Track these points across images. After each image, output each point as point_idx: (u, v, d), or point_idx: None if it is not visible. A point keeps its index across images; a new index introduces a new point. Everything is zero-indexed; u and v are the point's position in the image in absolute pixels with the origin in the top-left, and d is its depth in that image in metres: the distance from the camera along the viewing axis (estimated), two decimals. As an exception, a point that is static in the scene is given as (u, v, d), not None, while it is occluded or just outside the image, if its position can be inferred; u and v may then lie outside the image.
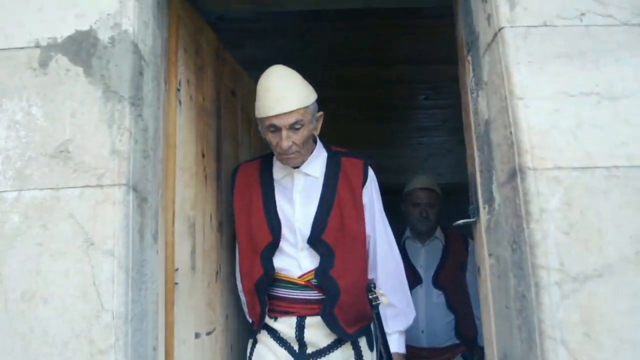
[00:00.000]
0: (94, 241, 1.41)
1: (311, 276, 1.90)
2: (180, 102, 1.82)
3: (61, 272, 1.40)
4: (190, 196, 1.86)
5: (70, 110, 1.49)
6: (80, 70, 1.51)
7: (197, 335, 1.85)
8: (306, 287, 1.90)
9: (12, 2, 1.56)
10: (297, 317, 1.89)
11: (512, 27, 1.51)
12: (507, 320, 1.49)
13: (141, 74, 1.56)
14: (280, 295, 1.91)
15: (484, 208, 1.64)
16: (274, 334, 1.92)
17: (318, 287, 1.89)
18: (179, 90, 1.82)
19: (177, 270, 1.70)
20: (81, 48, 1.52)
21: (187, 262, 1.81)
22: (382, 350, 1.91)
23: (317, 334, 1.89)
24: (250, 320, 1.99)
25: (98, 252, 1.40)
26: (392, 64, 3.40)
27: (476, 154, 1.69)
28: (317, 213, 1.90)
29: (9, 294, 1.40)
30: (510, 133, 1.45)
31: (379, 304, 1.92)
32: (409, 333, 2.12)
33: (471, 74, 1.72)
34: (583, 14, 1.52)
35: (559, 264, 1.35)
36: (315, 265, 1.89)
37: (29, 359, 1.35)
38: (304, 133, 1.85)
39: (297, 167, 1.94)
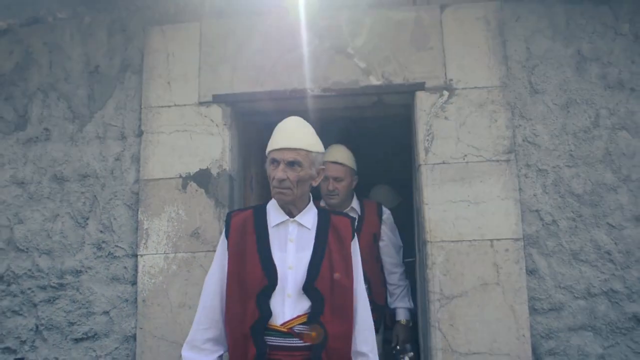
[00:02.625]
0: (213, 278, 3.03)
1: (294, 324, 2.00)
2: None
3: (199, 281, 3.03)
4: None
5: (199, 211, 3.13)
6: (203, 190, 3.15)
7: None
8: (289, 334, 1.99)
9: (170, 154, 3.21)
10: None
11: (425, 164, 3.03)
12: (421, 317, 3.02)
13: (232, 189, 3.20)
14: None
15: (417, 255, 3.17)
16: None
17: (299, 335, 1.99)
18: (251, 189, 3.46)
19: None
20: (203, 178, 3.17)
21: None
22: None
23: None
24: None
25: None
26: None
27: (415, 228, 3.22)
28: (311, 260, 2.05)
29: (172, 306, 3.04)
30: (422, 221, 2.98)
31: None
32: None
33: (413, 183, 3.26)
34: (465, 155, 3.01)
35: (440, 290, 2.86)
36: (299, 313, 2.01)
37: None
38: (300, 174, 2.02)
39: (293, 217, 2.12)
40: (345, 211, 3.16)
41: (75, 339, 3.14)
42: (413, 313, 3.37)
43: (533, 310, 2.88)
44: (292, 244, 2.10)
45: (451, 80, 3.04)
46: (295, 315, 2.01)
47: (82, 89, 3.35)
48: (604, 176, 2.94)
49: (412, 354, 3.19)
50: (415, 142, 3.07)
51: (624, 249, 2.88)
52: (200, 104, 3.19)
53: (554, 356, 2.85)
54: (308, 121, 2.20)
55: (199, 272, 3.03)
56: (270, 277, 2.03)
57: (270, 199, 2.20)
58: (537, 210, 2.93)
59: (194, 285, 3.02)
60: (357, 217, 3.23)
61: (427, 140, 3.00)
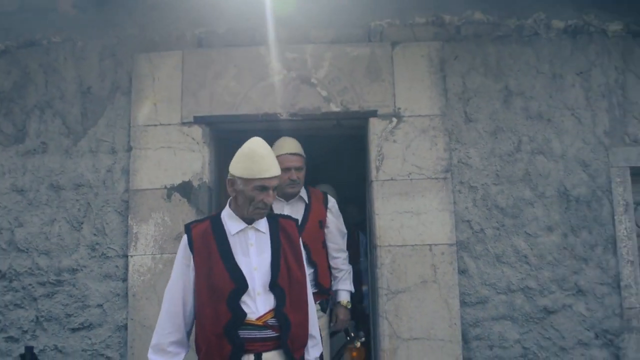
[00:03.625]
0: (194, 276, 3.58)
1: (267, 317, 2.31)
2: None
3: (181, 289, 3.58)
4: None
5: (182, 218, 3.66)
6: (185, 199, 3.68)
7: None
8: (263, 327, 2.30)
9: (153, 167, 3.73)
10: (255, 354, 2.28)
11: (376, 180, 3.62)
12: (372, 309, 3.63)
13: (211, 198, 3.74)
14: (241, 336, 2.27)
15: (368, 257, 3.77)
16: None
17: (272, 327, 2.30)
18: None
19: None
20: (185, 189, 3.69)
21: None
22: None
23: None
24: None
25: (196, 281, 3.58)
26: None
27: (367, 234, 3.82)
28: (272, 261, 2.36)
29: (159, 300, 3.58)
30: (373, 228, 3.58)
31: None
32: None
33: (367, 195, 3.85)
34: (410, 173, 3.61)
35: (387, 286, 3.47)
36: (270, 308, 2.32)
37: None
38: (274, 195, 2.39)
39: (250, 224, 2.40)
40: (294, 199, 3.48)
41: (72, 329, 3.64)
42: (353, 295, 3.74)
43: (463, 303, 3.51)
44: (253, 247, 2.37)
45: (399, 108, 3.63)
46: (267, 310, 2.31)
47: (76, 108, 3.81)
48: (524, 193, 3.58)
49: (363, 339, 3.79)
50: (369, 161, 3.65)
51: (538, 253, 3.54)
52: (183, 124, 3.70)
53: (480, 341, 3.50)
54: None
55: (182, 271, 3.57)
56: (238, 280, 2.29)
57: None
58: (468, 221, 3.56)
59: (178, 281, 3.56)
60: (304, 205, 3.48)
61: (378, 159, 3.59)
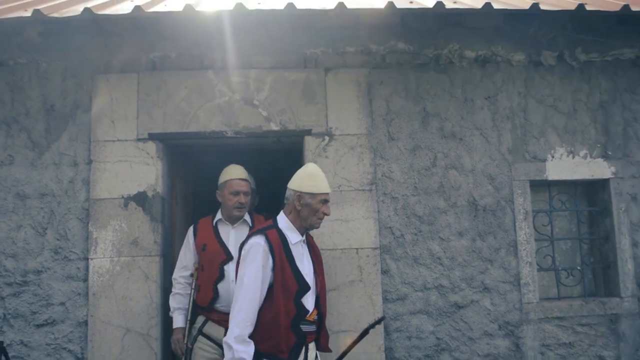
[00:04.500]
0: (149, 275, 4.05)
1: (314, 315, 2.96)
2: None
3: (140, 289, 4.04)
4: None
5: (137, 225, 4.11)
6: (140, 208, 4.13)
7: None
8: (312, 322, 2.96)
9: (111, 179, 4.17)
10: (306, 344, 2.93)
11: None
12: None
13: (164, 207, 4.20)
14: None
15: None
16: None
17: (314, 322, 2.97)
18: (177, 204, 4.46)
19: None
20: (140, 199, 4.14)
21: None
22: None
23: (312, 354, 2.99)
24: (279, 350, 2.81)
25: (151, 281, 4.04)
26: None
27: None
28: (314, 269, 3.06)
29: (117, 298, 4.03)
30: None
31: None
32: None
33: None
34: (340, 185, 4.12)
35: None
36: (313, 308, 2.99)
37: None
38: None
39: (303, 236, 3.03)
40: (239, 222, 3.84)
41: (37, 325, 4.05)
42: None
43: (385, 300, 4.04)
44: (304, 256, 2.99)
45: (331, 128, 4.13)
46: (313, 309, 2.99)
47: (41, 124, 4.21)
48: (438, 203, 4.13)
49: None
50: (304, 174, 4.15)
51: (450, 255, 4.09)
52: (138, 139, 4.14)
53: (399, 332, 4.03)
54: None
55: (138, 272, 4.03)
56: (301, 283, 2.89)
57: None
58: (390, 227, 4.08)
59: (134, 282, 4.02)
60: (248, 228, 3.81)
61: (312, 173, 4.09)
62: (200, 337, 3.76)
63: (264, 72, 4.18)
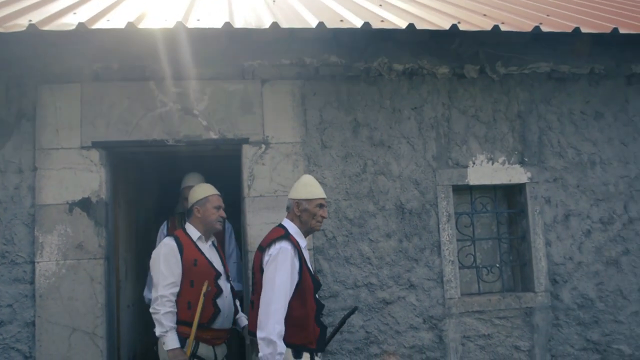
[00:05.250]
0: (94, 277, 4.26)
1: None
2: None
3: (85, 291, 4.25)
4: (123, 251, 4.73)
5: (82, 229, 4.31)
6: (85, 213, 4.33)
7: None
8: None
9: (56, 185, 4.35)
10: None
11: (248, 197, 4.39)
12: (245, 302, 4.43)
13: (107, 212, 4.41)
14: None
15: (242, 260, 4.56)
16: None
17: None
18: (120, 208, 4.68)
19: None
20: (85, 204, 4.34)
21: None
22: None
23: None
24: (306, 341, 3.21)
25: (95, 282, 4.26)
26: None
27: (242, 240, 4.60)
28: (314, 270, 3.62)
29: (63, 299, 4.24)
30: (245, 236, 4.35)
31: None
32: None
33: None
34: (276, 191, 4.40)
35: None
36: None
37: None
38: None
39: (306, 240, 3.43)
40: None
41: (-15, 326, 4.25)
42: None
43: (319, 297, 4.35)
44: (308, 259, 3.36)
45: (267, 136, 4.41)
46: None
47: (-14, 132, 4.37)
48: (368, 206, 4.45)
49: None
50: (242, 181, 4.42)
51: (379, 255, 4.42)
52: (82, 148, 4.33)
53: (332, 327, 4.35)
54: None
55: (83, 274, 4.24)
56: (316, 283, 3.36)
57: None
58: (322, 230, 4.39)
59: (80, 283, 4.23)
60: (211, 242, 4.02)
61: (250, 179, 4.37)
62: None
63: (204, 83, 4.41)
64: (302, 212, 3.39)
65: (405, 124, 4.56)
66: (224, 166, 4.98)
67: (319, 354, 3.37)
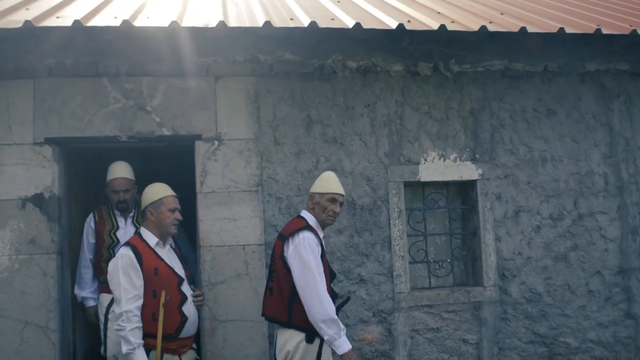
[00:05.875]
0: (47, 271, 4.31)
1: None
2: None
3: (38, 285, 4.30)
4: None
5: (35, 224, 4.35)
6: (38, 209, 4.36)
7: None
8: None
9: (9, 181, 4.37)
10: None
11: (201, 192, 4.44)
12: (198, 299, 4.51)
13: (60, 208, 4.45)
14: None
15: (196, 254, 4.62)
16: None
17: None
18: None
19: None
20: (37, 200, 4.37)
21: (84, 276, 4.75)
22: None
23: None
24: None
25: (48, 277, 4.31)
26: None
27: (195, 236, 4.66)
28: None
29: (16, 293, 4.28)
30: (198, 231, 4.42)
31: None
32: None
33: (197, 202, 4.67)
34: (228, 187, 4.46)
35: (208, 279, 4.34)
36: None
37: None
38: (340, 209, 3.70)
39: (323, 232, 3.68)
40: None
41: (-62, 319, 4.28)
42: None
43: (270, 292, 4.43)
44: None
45: (220, 133, 4.45)
46: None
47: (-62, 127, 4.38)
48: (320, 202, 4.51)
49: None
50: (195, 176, 4.46)
51: (330, 250, 4.50)
52: (35, 144, 4.35)
53: (283, 321, 4.43)
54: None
55: (36, 269, 4.28)
56: (332, 272, 3.69)
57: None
58: (274, 225, 4.45)
59: (32, 278, 4.27)
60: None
61: (202, 175, 4.42)
62: None
63: (157, 80, 4.45)
64: (315, 204, 3.60)
65: (358, 121, 4.63)
66: (182, 162, 5.00)
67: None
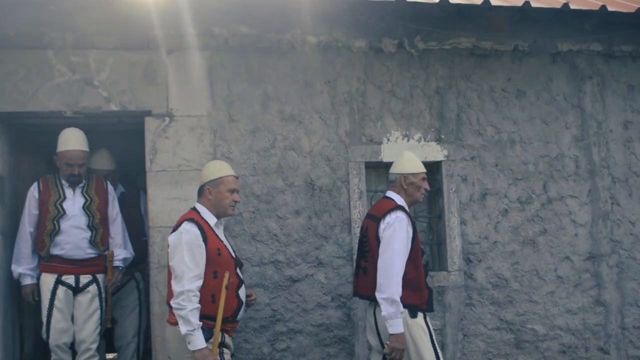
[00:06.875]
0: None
1: None
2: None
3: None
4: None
5: (-25, 204, 4.15)
6: (-22, 187, 4.17)
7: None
8: None
9: (-51, 158, 4.17)
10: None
11: (150, 171, 4.23)
12: (147, 280, 4.29)
13: (3, 186, 4.23)
14: None
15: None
16: None
17: None
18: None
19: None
20: (-21, 177, 4.17)
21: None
22: None
23: None
24: None
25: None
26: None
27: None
28: None
29: (-47, 275, 4.07)
30: (148, 212, 4.21)
31: None
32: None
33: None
34: (179, 165, 4.26)
35: (157, 261, 4.13)
36: None
37: None
38: None
39: None
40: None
41: None
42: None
43: (223, 275, 4.23)
44: None
45: (172, 109, 4.25)
46: None
47: None
48: (276, 182, 4.33)
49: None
50: (145, 154, 4.25)
51: (287, 232, 4.32)
52: (-25, 118, 4.14)
53: (237, 306, 4.24)
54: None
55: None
56: (422, 249, 3.87)
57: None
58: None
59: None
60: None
61: (152, 153, 4.21)
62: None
63: (106, 53, 4.23)
64: (408, 185, 3.72)
65: (318, 98, 4.44)
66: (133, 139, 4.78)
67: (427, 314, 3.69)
